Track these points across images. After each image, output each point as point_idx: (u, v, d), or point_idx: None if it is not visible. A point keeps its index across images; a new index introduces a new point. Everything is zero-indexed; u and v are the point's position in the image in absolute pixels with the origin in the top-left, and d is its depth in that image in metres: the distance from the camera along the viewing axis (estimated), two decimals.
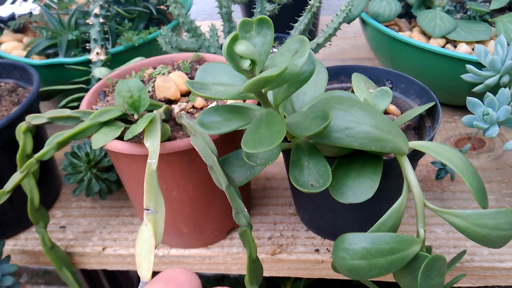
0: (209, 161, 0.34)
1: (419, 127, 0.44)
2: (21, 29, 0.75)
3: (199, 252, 0.47)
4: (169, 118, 0.40)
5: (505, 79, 0.39)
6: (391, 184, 0.40)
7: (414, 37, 0.60)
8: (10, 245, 0.50)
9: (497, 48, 0.40)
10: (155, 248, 0.27)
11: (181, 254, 0.47)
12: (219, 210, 0.45)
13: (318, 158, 0.34)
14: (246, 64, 0.26)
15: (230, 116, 0.32)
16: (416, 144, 0.36)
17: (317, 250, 0.46)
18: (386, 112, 0.47)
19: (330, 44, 0.89)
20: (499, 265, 0.43)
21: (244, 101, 0.42)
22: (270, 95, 0.33)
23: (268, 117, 0.29)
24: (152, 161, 0.32)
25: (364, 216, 0.43)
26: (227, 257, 0.47)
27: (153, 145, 0.33)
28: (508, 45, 0.41)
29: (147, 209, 0.29)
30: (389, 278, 0.45)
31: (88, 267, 0.50)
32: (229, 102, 0.40)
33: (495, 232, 0.32)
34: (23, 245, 0.50)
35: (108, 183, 0.48)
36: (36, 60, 0.60)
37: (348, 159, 0.36)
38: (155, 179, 0.31)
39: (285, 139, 0.38)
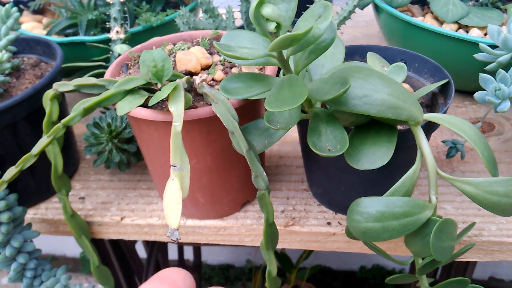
0: (231, 127, 0.35)
1: (431, 105, 0.45)
2: (41, 10, 0.76)
3: (215, 223, 0.49)
4: (190, 89, 0.42)
5: None
6: (405, 157, 0.42)
7: (427, 22, 0.61)
8: (30, 213, 0.52)
9: (510, 27, 0.41)
10: (182, 200, 0.28)
11: (197, 225, 0.49)
12: (235, 181, 0.46)
13: (335, 125, 0.35)
14: (272, 26, 0.28)
15: (252, 83, 0.34)
16: (430, 116, 0.37)
17: (328, 223, 0.47)
18: None
19: (342, 33, 0.91)
20: (507, 239, 0.44)
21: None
22: (291, 62, 0.35)
23: (290, 81, 0.31)
24: (177, 124, 0.33)
25: (376, 189, 0.44)
26: (241, 228, 0.48)
27: (177, 109, 0.34)
28: None
29: (174, 166, 0.30)
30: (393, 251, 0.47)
31: (107, 236, 0.52)
32: (245, 70, 0.42)
33: (505, 199, 0.33)
34: (43, 214, 0.52)
35: (127, 155, 0.49)
36: (57, 37, 0.62)
37: (364, 129, 0.37)
38: (180, 140, 0.32)
39: (302, 110, 0.40)
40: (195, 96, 0.41)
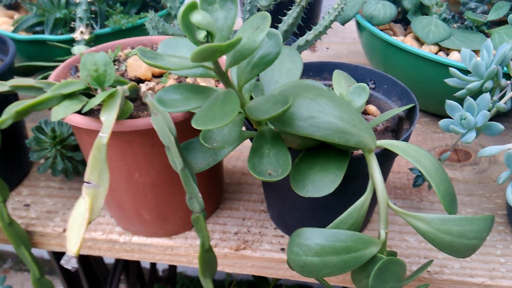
0: (166, 141, 0.32)
1: (397, 130, 0.43)
2: (14, 6, 0.74)
3: (162, 242, 0.46)
4: (136, 97, 0.39)
5: (488, 84, 0.38)
6: (360, 184, 0.38)
7: (407, 42, 0.59)
8: None
9: (483, 53, 0.39)
10: (89, 222, 0.25)
11: (143, 242, 0.46)
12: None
13: (280, 148, 0.32)
14: (201, 35, 0.25)
15: (190, 95, 0.31)
16: (384, 143, 0.34)
17: (282, 249, 0.44)
18: (366, 113, 0.45)
19: (327, 48, 0.88)
20: (470, 280, 0.41)
21: (217, 85, 0.40)
22: (234, 77, 0.32)
23: (224, 97, 0.28)
24: (104, 135, 0.30)
25: (331, 216, 0.41)
26: (190, 249, 0.45)
27: (108, 119, 0.31)
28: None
29: (88, 182, 0.27)
30: (350, 283, 0.44)
31: (49, 248, 0.49)
32: (202, 83, 0.39)
33: (459, 240, 0.30)
34: None
35: (74, 162, 0.46)
36: (19, 35, 0.59)
37: (314, 153, 0.34)
38: (103, 154, 0.29)
39: (252, 127, 0.37)
40: (140, 105, 0.38)
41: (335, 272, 0.30)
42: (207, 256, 0.35)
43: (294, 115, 0.30)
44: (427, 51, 0.56)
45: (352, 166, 0.34)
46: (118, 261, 0.92)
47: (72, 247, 0.24)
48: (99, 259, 0.92)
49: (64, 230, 0.47)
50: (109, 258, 0.95)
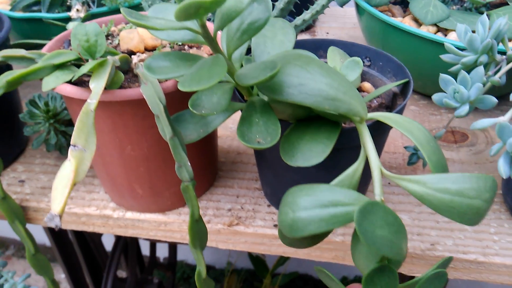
0: (156, 110, 0.32)
1: (391, 106, 0.42)
2: None
3: (155, 217, 0.46)
4: (128, 70, 0.39)
5: (483, 59, 0.37)
6: (352, 158, 0.38)
7: (405, 23, 0.58)
8: None
9: (478, 28, 0.38)
10: (74, 184, 0.25)
11: (136, 218, 0.46)
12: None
13: (269, 117, 0.32)
14: None
15: (180, 62, 0.31)
16: (377, 114, 0.34)
17: (275, 225, 0.44)
18: (361, 90, 0.45)
19: (327, 33, 0.88)
20: (462, 256, 0.41)
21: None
22: (224, 44, 0.32)
23: (212, 61, 0.28)
24: (92, 101, 0.30)
25: None
26: (183, 225, 0.45)
27: (97, 86, 0.31)
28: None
29: (74, 146, 0.27)
30: (341, 260, 0.44)
31: (43, 224, 0.49)
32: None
33: (459, 199, 0.28)
34: None
35: (68, 138, 0.46)
36: (16, 13, 0.59)
37: (304, 124, 0.34)
38: (91, 119, 0.29)
39: (244, 100, 0.37)
40: (131, 77, 0.38)
41: (322, 227, 0.27)
42: (197, 226, 0.35)
43: (284, 82, 0.30)
44: (425, 31, 0.55)
45: (343, 137, 0.34)
46: (116, 244, 0.93)
47: (56, 206, 0.24)
48: (99, 244, 0.92)
49: None
50: (108, 244, 0.96)
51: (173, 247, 1.24)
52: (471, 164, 0.51)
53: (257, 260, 1.17)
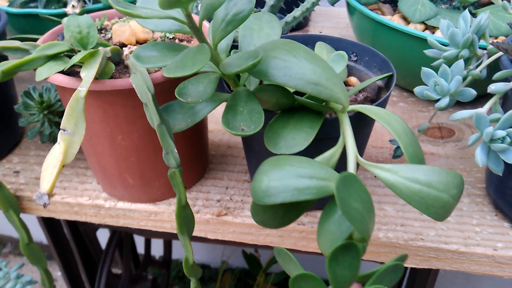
0: (144, 98, 0.33)
1: (376, 100, 0.43)
2: None
3: (146, 207, 0.47)
4: (119, 61, 0.40)
5: (464, 53, 0.38)
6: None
7: (394, 21, 0.59)
8: None
9: (460, 23, 0.39)
10: (63, 165, 0.26)
11: (128, 207, 0.47)
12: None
13: (254, 106, 0.33)
14: None
15: (167, 52, 0.32)
16: (358, 106, 0.35)
17: None
18: (347, 84, 0.46)
19: (320, 32, 0.89)
20: (444, 246, 0.42)
21: None
22: (210, 35, 0.33)
23: (196, 50, 0.29)
24: (82, 89, 0.31)
25: None
26: (173, 215, 0.46)
27: (87, 75, 0.32)
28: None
29: (64, 130, 0.28)
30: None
31: (37, 213, 0.50)
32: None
33: (428, 190, 0.29)
34: None
35: None
36: (13, 8, 0.60)
37: (288, 114, 0.35)
38: (80, 106, 0.30)
39: (230, 90, 0.38)
40: (122, 68, 0.39)
41: (295, 196, 0.28)
42: (184, 212, 0.36)
43: (270, 65, 0.30)
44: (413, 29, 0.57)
45: (325, 128, 0.35)
46: (111, 240, 0.94)
47: (45, 185, 0.25)
48: (94, 239, 0.93)
49: (52, 195, 0.48)
50: (104, 241, 0.96)
51: (168, 244, 1.25)
52: (456, 159, 0.52)
53: (251, 258, 1.18)
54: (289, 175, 0.27)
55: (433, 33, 0.58)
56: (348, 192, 0.25)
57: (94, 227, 0.88)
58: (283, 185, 0.27)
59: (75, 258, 0.91)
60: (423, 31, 0.58)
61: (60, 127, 0.28)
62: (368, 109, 0.34)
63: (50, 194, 0.25)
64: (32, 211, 0.50)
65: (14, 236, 1.78)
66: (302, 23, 0.85)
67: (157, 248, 1.29)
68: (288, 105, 0.35)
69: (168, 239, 1.08)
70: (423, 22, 0.58)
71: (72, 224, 0.82)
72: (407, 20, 0.60)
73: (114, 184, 0.46)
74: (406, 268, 0.72)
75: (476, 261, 0.42)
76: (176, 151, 0.33)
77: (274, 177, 0.27)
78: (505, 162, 0.34)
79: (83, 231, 0.88)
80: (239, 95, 0.34)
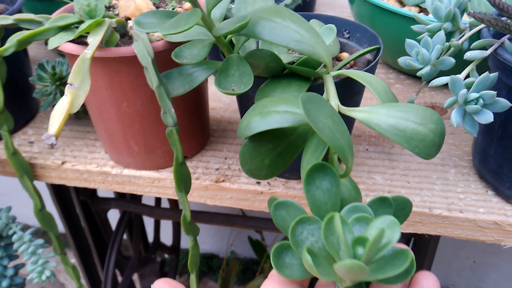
0: (145, 62, 0.36)
1: None
2: None
3: (150, 174, 0.50)
4: (124, 34, 0.43)
5: (447, 25, 0.41)
6: None
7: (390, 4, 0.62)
8: None
9: None
10: (69, 114, 0.30)
11: (133, 174, 0.50)
12: None
13: (244, 69, 0.36)
14: None
15: (165, 19, 0.35)
16: (342, 71, 0.38)
17: (258, 183, 0.48)
18: (339, 59, 0.48)
19: None
20: (428, 211, 0.44)
21: None
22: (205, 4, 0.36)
23: (190, 12, 0.32)
24: (88, 52, 0.35)
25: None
26: None
27: (93, 40, 0.36)
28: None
29: (71, 84, 0.31)
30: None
31: (50, 180, 0.53)
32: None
33: (405, 122, 0.30)
34: None
35: None
36: None
37: (278, 79, 0.38)
38: (86, 65, 0.34)
39: (223, 56, 0.41)
40: (127, 40, 0.43)
41: (271, 125, 0.30)
42: (181, 170, 0.39)
43: (258, 24, 0.33)
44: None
45: (312, 91, 0.38)
46: (121, 220, 0.97)
47: (53, 128, 0.28)
48: (105, 221, 0.97)
49: (63, 163, 0.52)
50: (114, 224, 1.00)
51: (177, 231, 1.28)
52: (447, 134, 0.54)
53: (256, 244, 1.21)
54: (269, 110, 0.30)
55: (427, 15, 0.60)
56: (315, 107, 0.27)
57: (105, 208, 0.92)
58: (262, 119, 0.29)
59: (87, 239, 0.95)
60: (418, 13, 0.60)
61: (67, 82, 0.32)
62: (352, 73, 0.37)
63: (57, 137, 0.29)
64: (44, 178, 0.53)
65: (30, 223, 1.83)
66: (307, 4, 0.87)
67: (167, 238, 1.33)
68: (278, 70, 0.38)
69: (175, 220, 1.11)
70: (417, 5, 0.60)
71: (85, 205, 0.86)
72: (403, 4, 0.62)
73: (120, 151, 0.49)
74: (408, 243, 0.74)
75: (459, 225, 0.44)
76: (173, 110, 0.36)
77: (255, 114, 0.30)
78: (487, 132, 0.36)
79: (95, 212, 0.92)
80: (231, 60, 0.37)
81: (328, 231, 0.23)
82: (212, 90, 0.63)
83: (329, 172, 0.26)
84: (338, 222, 0.22)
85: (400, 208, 0.28)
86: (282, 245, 0.26)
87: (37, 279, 0.54)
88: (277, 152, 0.32)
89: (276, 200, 0.32)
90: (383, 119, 0.30)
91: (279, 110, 0.30)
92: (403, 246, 0.24)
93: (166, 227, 1.27)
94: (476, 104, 0.35)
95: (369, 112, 0.31)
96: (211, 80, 0.62)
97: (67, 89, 0.31)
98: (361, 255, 0.22)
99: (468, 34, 0.41)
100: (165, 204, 1.13)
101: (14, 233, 0.55)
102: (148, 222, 1.19)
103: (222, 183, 0.48)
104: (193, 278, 0.47)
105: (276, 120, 0.29)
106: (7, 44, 0.41)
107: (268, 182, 0.48)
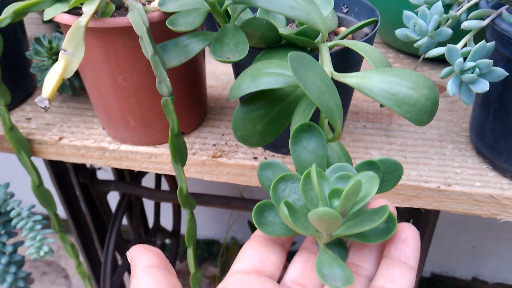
0: (140, 31, 0.36)
1: None
2: None
3: (147, 149, 0.50)
4: (120, 5, 0.43)
5: None
6: None
7: None
8: None
9: None
10: (62, 78, 0.30)
11: (130, 150, 0.50)
12: None
13: (240, 38, 0.36)
14: None
15: None
16: (338, 41, 0.38)
17: (255, 158, 0.48)
18: (337, 33, 0.48)
19: None
20: (424, 185, 0.44)
21: None
22: None
23: None
24: (83, 19, 0.34)
25: None
26: None
27: (88, 9, 0.36)
28: None
29: (65, 50, 0.31)
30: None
31: (47, 156, 0.54)
32: None
33: (397, 86, 0.30)
34: None
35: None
36: None
37: (274, 50, 0.38)
38: (81, 33, 0.33)
39: (219, 27, 0.41)
40: (123, 11, 0.42)
41: (261, 86, 0.30)
42: (177, 141, 0.39)
43: None
44: None
45: None
46: (121, 203, 0.98)
47: (46, 91, 0.28)
48: (105, 204, 0.97)
49: (60, 139, 0.52)
50: (114, 207, 1.00)
51: (177, 215, 1.29)
52: (444, 111, 0.54)
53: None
54: (260, 72, 0.30)
55: None
56: (303, 66, 0.26)
57: (105, 190, 0.93)
58: (253, 81, 0.29)
59: (87, 222, 0.95)
60: None
61: (61, 48, 0.31)
62: (348, 42, 0.37)
63: (50, 100, 0.29)
64: (42, 154, 0.53)
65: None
66: None
67: (168, 223, 1.33)
68: (274, 40, 0.37)
69: (175, 202, 1.12)
70: None
71: (84, 187, 0.87)
72: None
73: (117, 126, 0.49)
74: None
75: (455, 199, 0.44)
76: (168, 79, 0.36)
77: (246, 75, 0.30)
78: (485, 106, 0.36)
79: (94, 194, 0.92)
80: (227, 30, 0.36)
81: (307, 186, 0.23)
82: (211, 68, 0.63)
83: (316, 133, 0.26)
84: (314, 174, 0.22)
85: (389, 170, 0.28)
86: (265, 203, 0.26)
87: (35, 255, 0.54)
88: (269, 118, 0.32)
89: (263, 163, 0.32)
90: (375, 83, 0.30)
91: (270, 72, 0.30)
92: (390, 206, 0.24)
93: (167, 212, 1.27)
94: (472, 73, 0.35)
95: (361, 77, 0.31)
96: (209, 59, 0.62)
97: (61, 55, 0.31)
98: (336, 206, 0.23)
99: (466, 5, 0.41)
100: (165, 187, 1.13)
101: (12, 209, 0.55)
102: (149, 207, 1.20)
103: (219, 158, 0.48)
104: (190, 252, 0.47)
105: (266, 81, 0.29)
106: (2, 15, 0.41)
107: (265, 158, 0.48)
